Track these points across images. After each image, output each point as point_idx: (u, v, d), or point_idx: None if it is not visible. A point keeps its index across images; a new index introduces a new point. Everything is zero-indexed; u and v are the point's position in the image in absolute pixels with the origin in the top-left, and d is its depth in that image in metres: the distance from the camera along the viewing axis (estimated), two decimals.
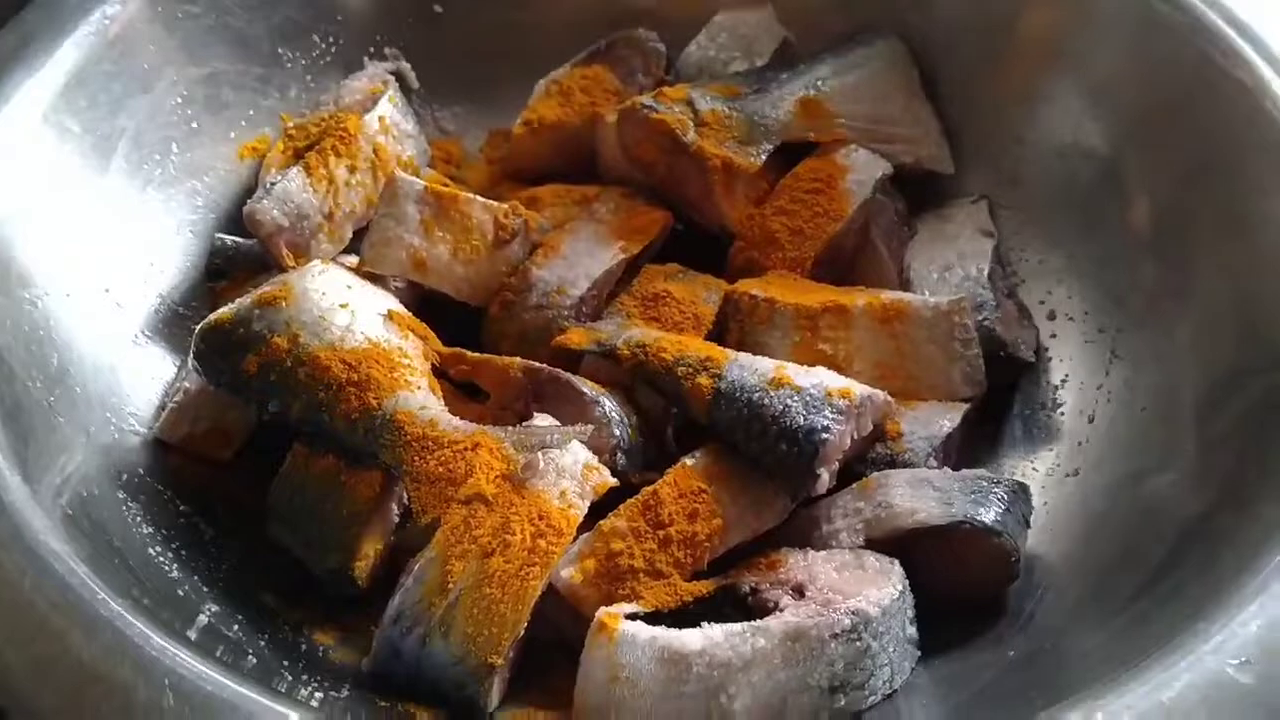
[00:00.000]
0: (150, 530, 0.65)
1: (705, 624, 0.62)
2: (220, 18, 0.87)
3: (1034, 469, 0.78)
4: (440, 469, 0.65)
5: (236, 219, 0.84)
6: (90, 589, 0.52)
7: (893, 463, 0.73)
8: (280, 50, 0.91)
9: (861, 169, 0.86)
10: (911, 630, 0.65)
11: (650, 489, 0.68)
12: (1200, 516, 0.65)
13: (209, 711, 0.48)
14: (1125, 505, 0.71)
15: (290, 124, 0.89)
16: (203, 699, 0.48)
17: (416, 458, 0.65)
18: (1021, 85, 0.89)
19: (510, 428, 0.68)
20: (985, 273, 0.82)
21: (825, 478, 0.68)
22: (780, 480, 0.69)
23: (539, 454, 0.66)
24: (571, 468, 0.66)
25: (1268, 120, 0.74)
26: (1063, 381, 0.81)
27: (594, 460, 0.68)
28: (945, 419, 0.75)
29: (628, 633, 0.61)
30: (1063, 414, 0.79)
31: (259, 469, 0.71)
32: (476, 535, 0.62)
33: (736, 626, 0.62)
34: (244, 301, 0.71)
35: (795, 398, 0.69)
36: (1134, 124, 0.82)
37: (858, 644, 0.62)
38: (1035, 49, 0.88)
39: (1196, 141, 0.78)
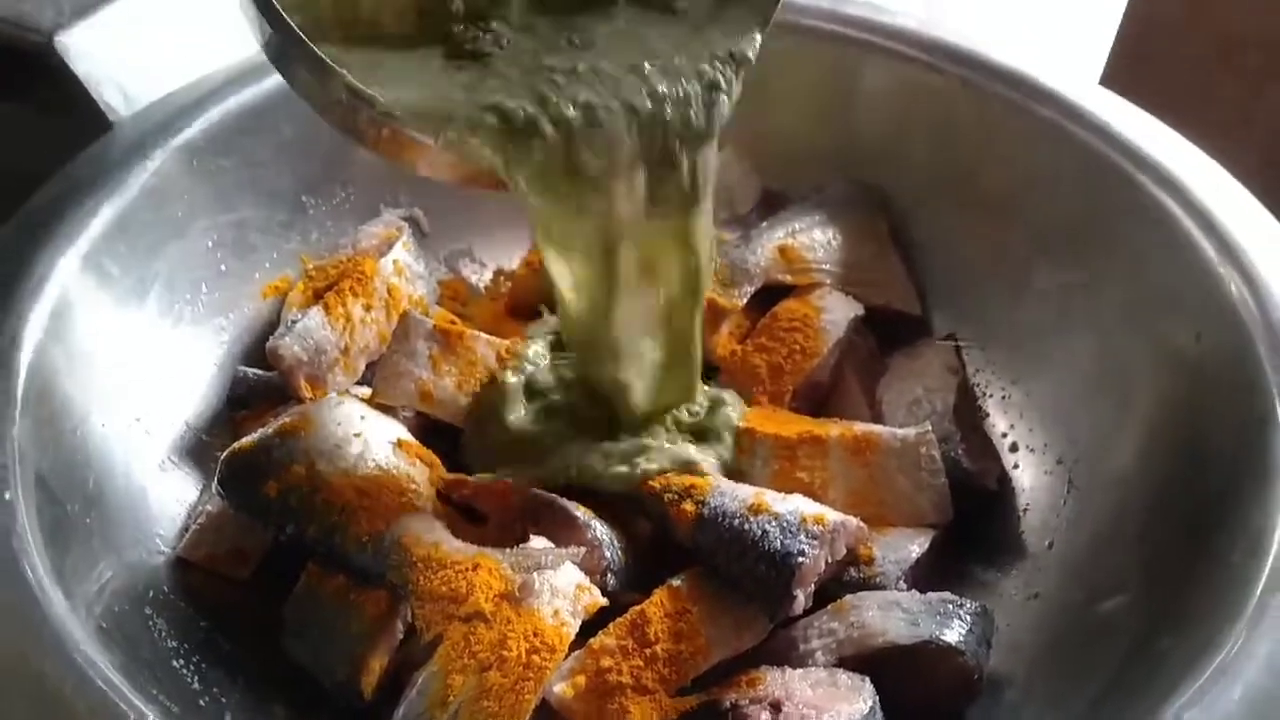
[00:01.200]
0: (174, 644, 0.70)
1: None
2: (250, 170, 0.94)
3: (998, 592, 0.83)
4: (443, 588, 0.70)
5: (258, 352, 0.91)
6: (125, 696, 0.57)
7: (865, 585, 0.78)
8: (304, 198, 0.98)
9: (835, 310, 0.93)
10: None
11: (638, 609, 0.73)
12: (1145, 636, 0.69)
13: None
14: (1080, 627, 0.76)
15: (311, 266, 0.96)
16: None
17: (421, 577, 0.70)
18: (981, 232, 0.97)
19: (508, 549, 0.73)
20: (951, 407, 0.89)
21: (801, 599, 0.73)
22: (759, 601, 0.74)
23: (534, 574, 0.71)
24: (565, 588, 0.72)
25: (1201, 264, 0.81)
26: (1024, 510, 0.87)
27: (585, 581, 0.73)
28: (914, 545, 0.81)
29: None
30: (1025, 540, 0.85)
31: (275, 587, 0.76)
32: (475, 651, 0.67)
33: None
34: (265, 431, 0.77)
35: (773, 523, 0.74)
36: (1079, 267, 0.89)
37: None
38: (993, 199, 0.96)
39: (1134, 282, 0.86)
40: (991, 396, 0.94)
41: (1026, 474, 0.89)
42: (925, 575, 0.81)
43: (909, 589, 0.79)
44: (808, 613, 0.75)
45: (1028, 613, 0.80)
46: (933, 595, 0.76)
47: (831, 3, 1.02)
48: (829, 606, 0.77)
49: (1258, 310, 0.75)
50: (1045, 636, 0.77)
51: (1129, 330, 0.85)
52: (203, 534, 0.78)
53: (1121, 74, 1.18)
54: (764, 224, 0.98)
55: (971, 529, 0.85)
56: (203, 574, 0.77)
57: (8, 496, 0.65)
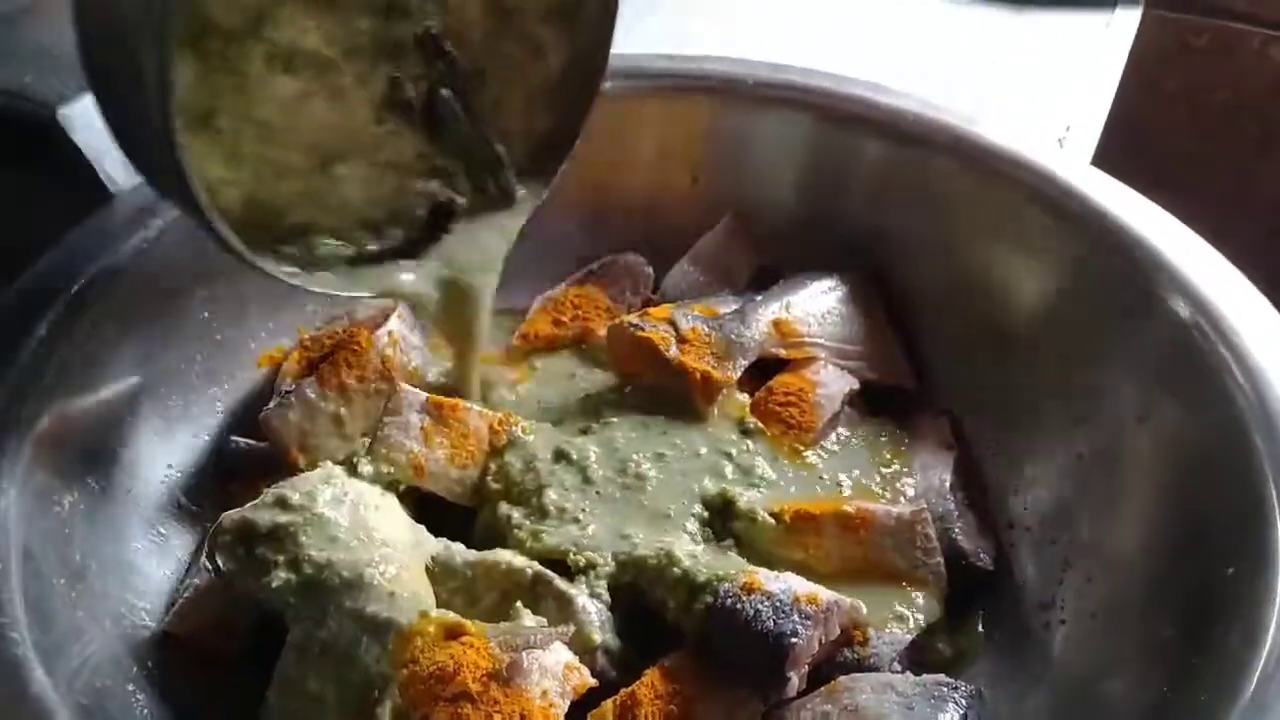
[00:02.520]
0: None
1: None
2: None
3: (994, 672, 0.82)
4: (430, 667, 0.69)
5: (251, 422, 0.91)
6: None
7: (859, 666, 0.77)
8: None
9: (831, 384, 0.93)
10: None
11: (628, 690, 0.72)
12: (1147, 715, 0.68)
13: None
14: (1079, 707, 0.74)
15: (306, 336, 0.96)
16: None
17: (409, 656, 0.70)
18: (977, 310, 0.97)
19: (496, 626, 0.72)
20: (946, 484, 0.88)
21: (795, 681, 0.72)
22: (752, 683, 0.73)
23: (523, 654, 0.70)
24: (553, 667, 0.71)
25: (1197, 350, 0.81)
26: (1021, 589, 0.86)
27: (575, 660, 0.72)
28: (909, 624, 0.80)
29: None
30: (1020, 620, 0.84)
31: (261, 664, 0.75)
32: None
33: None
34: (259, 501, 0.77)
35: (766, 602, 0.74)
36: (1076, 350, 0.89)
37: None
38: (990, 279, 0.96)
39: (1131, 366, 0.85)
40: (986, 473, 0.93)
41: (1022, 552, 0.88)
42: (918, 657, 0.81)
43: (903, 671, 0.78)
44: (801, 694, 0.74)
45: (1023, 694, 0.79)
46: (927, 677, 0.75)
47: (833, 82, 1.04)
48: (822, 689, 0.75)
49: (1254, 396, 0.75)
50: (1042, 718, 0.76)
51: (1126, 413, 0.85)
52: (190, 607, 0.78)
53: (1118, 144, 1.19)
54: (758, 298, 0.98)
55: (968, 609, 0.84)
56: (189, 650, 0.76)
57: None
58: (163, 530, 0.82)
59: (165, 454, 0.86)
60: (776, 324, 0.96)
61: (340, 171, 0.79)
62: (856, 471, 0.90)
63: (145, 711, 0.69)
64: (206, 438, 0.90)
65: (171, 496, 0.85)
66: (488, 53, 0.83)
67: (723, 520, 0.84)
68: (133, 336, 0.85)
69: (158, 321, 0.87)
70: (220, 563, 0.75)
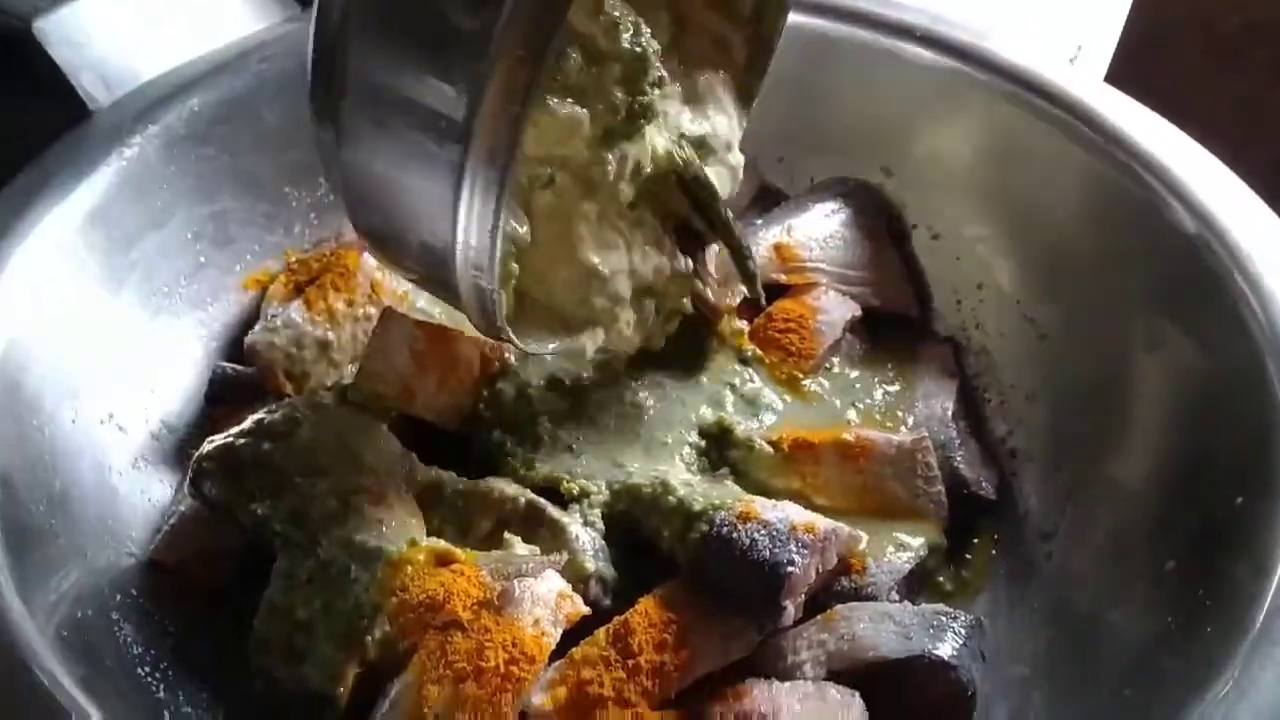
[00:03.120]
0: (140, 651, 0.67)
1: None
2: (232, 159, 0.92)
3: (995, 603, 0.80)
4: (420, 595, 0.67)
5: (237, 346, 0.89)
6: (83, 713, 0.54)
7: (856, 596, 0.76)
8: (287, 189, 0.96)
9: (832, 311, 0.91)
10: None
11: (621, 618, 0.70)
12: (1148, 652, 0.67)
13: None
14: (1079, 641, 0.73)
15: (293, 259, 0.94)
16: None
17: (398, 583, 0.68)
18: (985, 234, 0.95)
19: (487, 554, 0.71)
20: (949, 412, 0.86)
21: (791, 610, 0.71)
22: (748, 612, 0.71)
23: (515, 582, 0.69)
24: (546, 596, 0.69)
25: (1204, 268, 0.79)
26: (1023, 518, 0.84)
27: (568, 589, 0.70)
28: (909, 554, 0.78)
29: None
30: (1022, 550, 0.83)
31: (247, 594, 0.74)
32: (451, 661, 0.65)
33: None
34: (243, 428, 0.75)
35: (762, 531, 0.72)
36: (1082, 273, 0.87)
37: None
38: (994, 202, 0.94)
39: (1142, 291, 0.83)
40: (989, 401, 0.91)
41: (1025, 482, 0.86)
42: (919, 586, 0.79)
43: (901, 600, 0.77)
44: (797, 623, 0.73)
45: (1024, 625, 0.78)
46: (926, 607, 0.74)
47: None
48: (819, 617, 0.74)
49: (1266, 321, 0.73)
50: (1043, 651, 0.75)
51: (1135, 339, 0.82)
52: (175, 536, 0.76)
53: (1128, 69, 1.15)
54: (759, 221, 0.96)
55: (968, 538, 0.83)
56: (173, 579, 0.75)
57: None
58: (146, 458, 0.80)
59: (147, 379, 0.84)
60: (777, 248, 0.93)
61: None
62: (856, 400, 0.88)
63: (129, 640, 0.68)
64: (193, 363, 0.88)
65: (155, 424, 0.83)
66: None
67: (719, 449, 0.82)
68: (111, 258, 0.82)
69: (138, 242, 0.84)
70: (204, 491, 0.73)
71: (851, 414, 0.87)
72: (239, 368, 0.87)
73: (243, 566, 0.77)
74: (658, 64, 0.73)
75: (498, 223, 0.62)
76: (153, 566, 0.74)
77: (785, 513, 0.74)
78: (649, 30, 0.73)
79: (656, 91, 0.73)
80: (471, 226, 0.63)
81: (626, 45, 0.71)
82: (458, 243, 0.64)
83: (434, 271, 0.68)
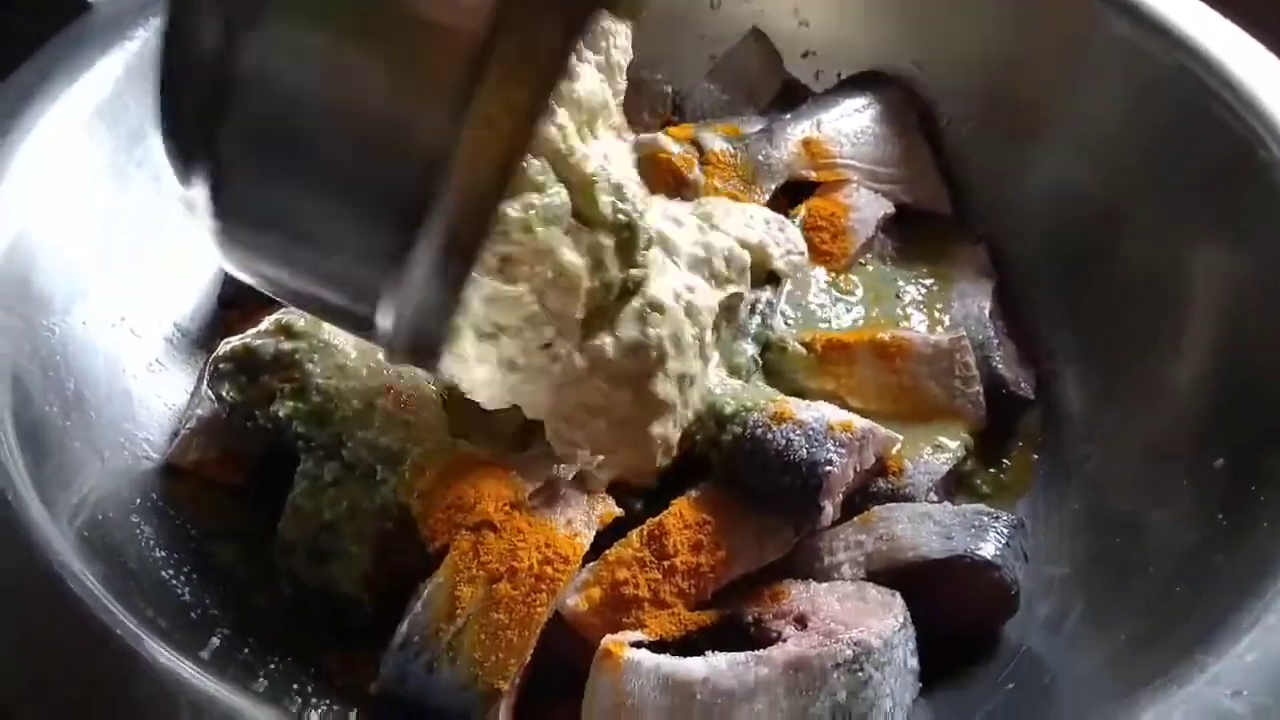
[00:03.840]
0: (163, 554, 0.66)
1: (709, 653, 0.63)
2: None
3: (1034, 505, 0.79)
4: (450, 496, 0.65)
5: None
6: (106, 610, 0.52)
7: (894, 497, 0.74)
8: None
9: (864, 207, 0.88)
10: (913, 662, 0.66)
11: (655, 520, 0.69)
12: (1195, 551, 0.66)
13: None
14: (1122, 541, 0.72)
15: None
16: (220, 717, 0.48)
17: (428, 484, 0.66)
18: (1020, 128, 0.91)
19: (516, 455, 0.69)
20: (986, 311, 0.84)
21: (829, 510, 0.69)
22: (784, 513, 0.70)
23: (546, 483, 0.67)
24: (578, 497, 0.68)
25: (1258, 163, 0.76)
26: (1063, 419, 0.82)
27: (600, 490, 0.69)
28: (946, 455, 0.76)
29: (633, 660, 0.62)
30: (1062, 452, 0.81)
31: (269, 496, 0.72)
32: (484, 561, 0.63)
33: (740, 655, 0.63)
34: (261, 328, 0.72)
35: (798, 431, 0.70)
36: (1127, 168, 0.83)
37: (860, 674, 0.62)
38: (1031, 95, 0.90)
39: (1187, 184, 0.80)
40: (1027, 301, 0.88)
41: (1064, 383, 0.84)
42: (957, 487, 0.78)
43: (939, 501, 0.75)
44: (833, 524, 0.71)
45: (1065, 527, 0.76)
46: (966, 507, 0.72)
47: None
48: (855, 519, 0.72)
49: None
50: (1084, 551, 0.74)
51: (1181, 237, 0.80)
52: (193, 438, 0.74)
53: None
54: (787, 116, 0.92)
55: (1006, 439, 0.81)
56: (193, 482, 0.73)
57: None
58: (160, 360, 0.78)
59: (159, 280, 0.81)
60: (806, 144, 0.90)
61: None
62: (891, 299, 0.85)
63: (151, 543, 0.66)
64: (201, 265, 0.84)
65: (168, 327, 0.80)
66: None
67: None
68: (117, 156, 0.79)
69: (142, 138, 0.81)
70: (223, 392, 0.71)
71: (882, 314, 0.84)
72: None
73: (262, 469, 0.74)
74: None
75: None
76: (171, 470, 0.72)
77: (821, 412, 0.72)
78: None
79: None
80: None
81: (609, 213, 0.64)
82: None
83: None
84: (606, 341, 0.67)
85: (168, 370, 0.78)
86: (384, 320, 0.48)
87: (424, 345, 0.49)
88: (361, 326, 0.49)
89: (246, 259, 0.50)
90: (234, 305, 0.84)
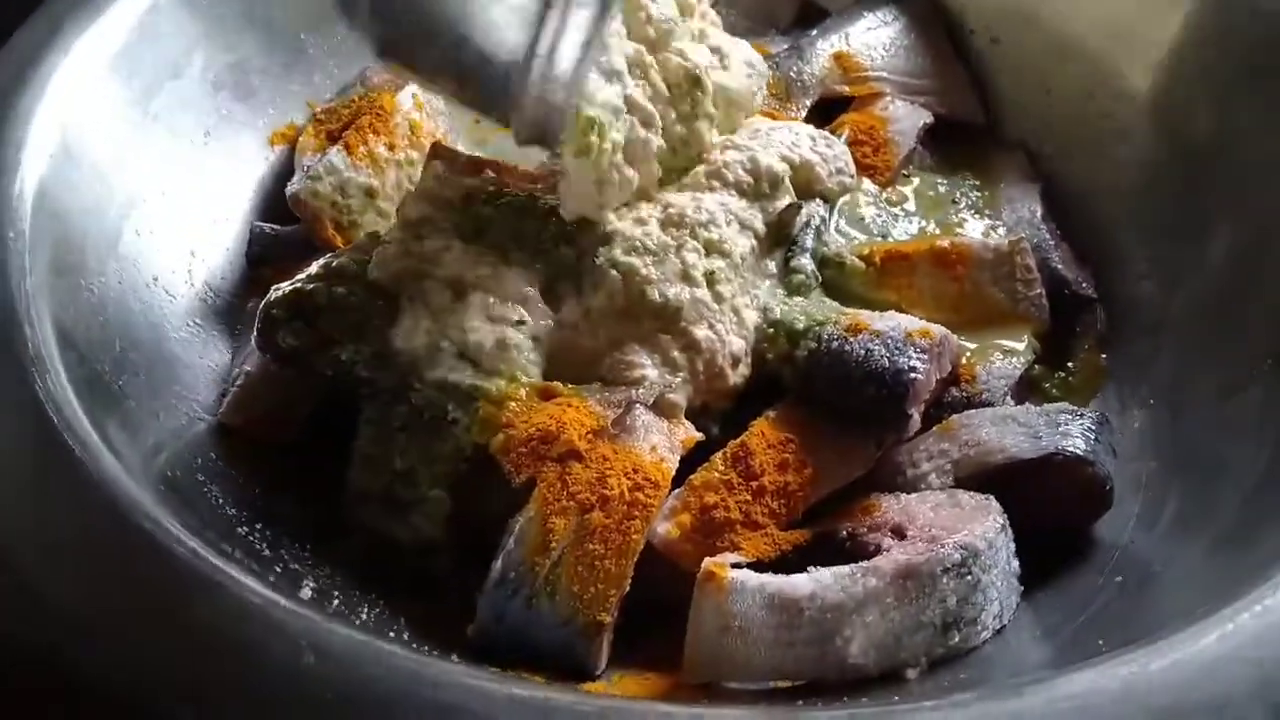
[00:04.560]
0: (234, 512, 0.62)
1: (812, 568, 0.61)
2: (246, 5, 0.85)
3: (1105, 404, 0.77)
4: (531, 429, 0.63)
5: (271, 204, 0.83)
6: (205, 556, 0.49)
7: (970, 404, 0.72)
8: (303, 36, 0.89)
9: (903, 119, 0.86)
10: (1015, 564, 0.64)
11: (737, 441, 0.66)
12: None
13: (354, 664, 0.45)
14: (1209, 423, 0.70)
15: (318, 109, 0.87)
16: (342, 653, 0.46)
17: (505, 419, 0.64)
18: (1047, 34, 0.90)
19: (590, 386, 0.66)
20: (1038, 214, 0.82)
21: (917, 418, 0.67)
22: (871, 425, 0.68)
23: (627, 409, 0.64)
24: (658, 422, 0.65)
25: None
26: (1123, 314, 0.80)
27: (679, 415, 0.66)
28: (1017, 359, 0.75)
29: (737, 581, 0.60)
30: (1129, 348, 0.79)
31: (326, 449, 0.69)
32: (574, 492, 0.61)
33: (845, 569, 0.60)
34: (312, 272, 0.69)
35: (876, 341, 0.68)
36: (1160, 63, 0.82)
37: (968, 578, 0.61)
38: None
39: (1224, 75, 0.79)
40: (1070, 202, 0.87)
41: (1119, 280, 0.82)
42: (1025, 395, 0.76)
43: (1015, 405, 0.73)
44: (912, 436, 0.69)
45: (1144, 423, 0.74)
46: (1049, 406, 0.71)
47: None
48: (933, 429, 0.71)
49: None
50: (1169, 445, 0.72)
51: (1223, 123, 0.79)
52: (243, 397, 0.71)
53: None
54: (814, 32, 0.90)
55: (1071, 341, 0.79)
56: (247, 440, 0.70)
57: (31, 349, 0.56)
58: (199, 320, 0.75)
59: (186, 240, 0.78)
60: (838, 58, 0.88)
61: None
62: (942, 208, 0.83)
63: (220, 501, 0.63)
64: (228, 222, 0.81)
65: (200, 285, 0.77)
66: None
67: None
68: (131, 108, 0.76)
69: (157, 90, 0.77)
70: (278, 341, 0.67)
71: (935, 224, 0.82)
72: (278, 226, 0.81)
73: (315, 423, 0.71)
74: None
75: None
76: (224, 430, 0.69)
77: (897, 321, 0.70)
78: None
79: None
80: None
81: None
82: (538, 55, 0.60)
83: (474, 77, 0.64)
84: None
85: (206, 330, 0.75)
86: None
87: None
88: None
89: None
90: (263, 263, 0.80)
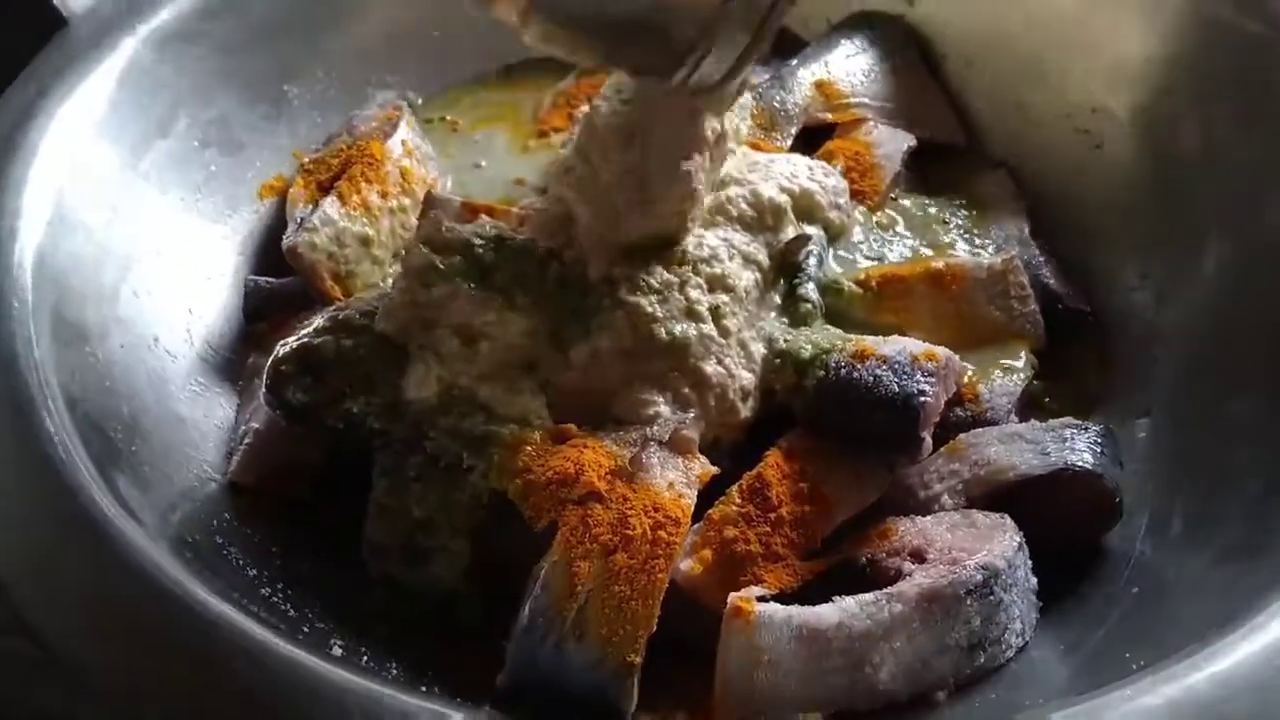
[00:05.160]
0: (255, 573, 0.62)
1: (836, 598, 0.61)
2: (224, 58, 0.85)
3: (1107, 417, 0.78)
4: (549, 473, 0.63)
5: (264, 257, 0.83)
6: (239, 620, 0.49)
7: (976, 422, 0.73)
8: (285, 87, 0.89)
9: (887, 143, 0.87)
10: (1033, 581, 0.65)
11: (752, 473, 0.67)
12: None
13: None
14: (1210, 430, 0.71)
15: (306, 159, 0.87)
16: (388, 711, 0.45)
17: (522, 464, 0.64)
18: (1018, 54, 0.91)
19: (605, 426, 0.67)
20: (1026, 231, 0.84)
21: (929, 441, 0.68)
22: (883, 450, 0.68)
23: (642, 447, 0.64)
24: (674, 459, 0.65)
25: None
26: (1117, 327, 0.82)
27: (694, 450, 0.67)
28: (1017, 375, 0.76)
29: (764, 615, 0.60)
30: (1120, 359, 0.80)
31: (338, 504, 0.69)
32: (597, 534, 0.61)
33: (868, 596, 0.61)
34: (317, 325, 0.69)
35: (884, 367, 0.68)
36: (1134, 78, 0.84)
37: (990, 598, 0.61)
38: (1027, 18, 0.90)
39: (1197, 90, 0.81)
40: (1056, 219, 0.88)
41: (1109, 294, 0.83)
42: (1027, 411, 0.77)
43: (1019, 421, 0.74)
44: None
45: (1147, 432, 0.75)
46: (1053, 421, 0.72)
47: None
48: (942, 450, 0.71)
49: None
50: (1172, 454, 0.73)
51: (1195, 137, 0.80)
52: (252, 455, 0.70)
53: None
54: (794, 61, 0.91)
55: (1064, 355, 0.80)
56: (260, 499, 0.69)
57: (48, 425, 0.55)
58: (201, 379, 0.74)
59: (182, 299, 0.77)
60: (819, 85, 0.89)
61: None
62: (932, 230, 0.84)
63: (240, 563, 0.62)
64: (222, 277, 0.81)
65: (200, 344, 0.76)
66: None
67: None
68: (122, 170, 0.75)
69: (145, 150, 0.77)
70: (287, 396, 0.67)
71: (926, 246, 0.83)
72: (272, 280, 0.81)
73: (325, 477, 0.71)
74: None
75: None
76: (236, 489, 0.69)
77: (901, 345, 0.70)
78: None
79: None
80: None
81: None
82: None
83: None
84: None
85: (208, 388, 0.75)
86: None
87: None
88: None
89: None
90: (259, 317, 0.80)
